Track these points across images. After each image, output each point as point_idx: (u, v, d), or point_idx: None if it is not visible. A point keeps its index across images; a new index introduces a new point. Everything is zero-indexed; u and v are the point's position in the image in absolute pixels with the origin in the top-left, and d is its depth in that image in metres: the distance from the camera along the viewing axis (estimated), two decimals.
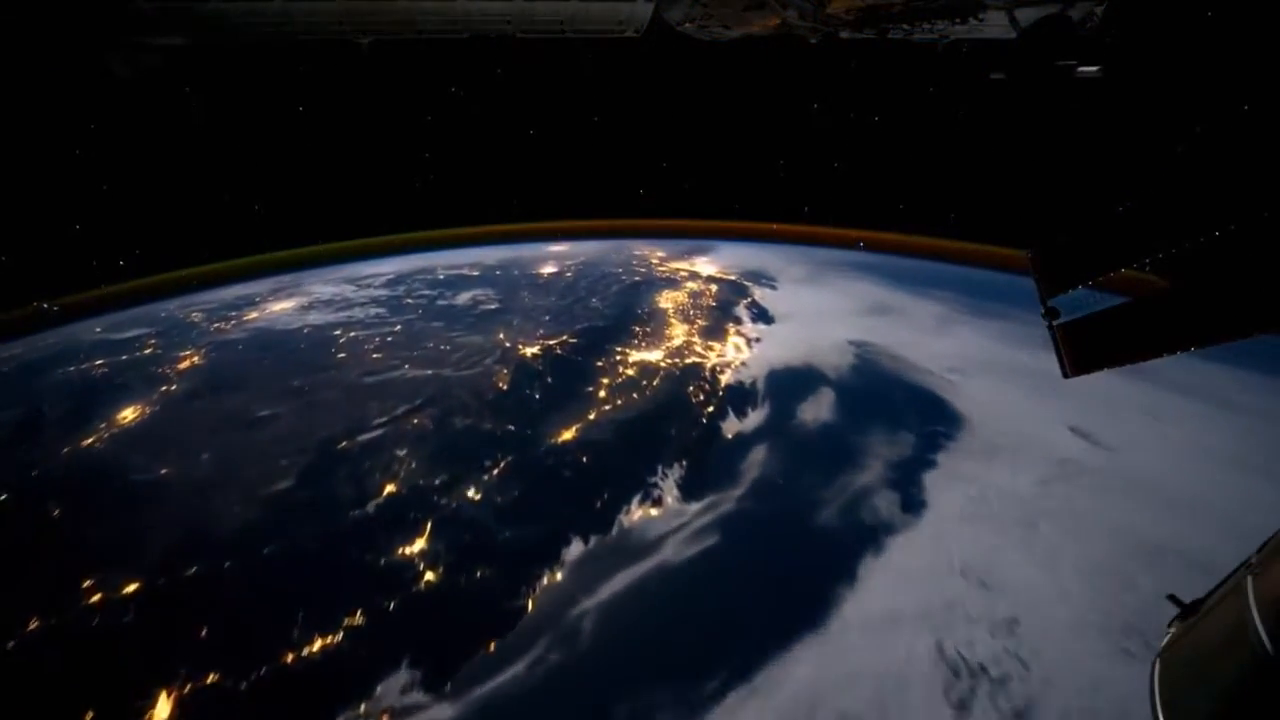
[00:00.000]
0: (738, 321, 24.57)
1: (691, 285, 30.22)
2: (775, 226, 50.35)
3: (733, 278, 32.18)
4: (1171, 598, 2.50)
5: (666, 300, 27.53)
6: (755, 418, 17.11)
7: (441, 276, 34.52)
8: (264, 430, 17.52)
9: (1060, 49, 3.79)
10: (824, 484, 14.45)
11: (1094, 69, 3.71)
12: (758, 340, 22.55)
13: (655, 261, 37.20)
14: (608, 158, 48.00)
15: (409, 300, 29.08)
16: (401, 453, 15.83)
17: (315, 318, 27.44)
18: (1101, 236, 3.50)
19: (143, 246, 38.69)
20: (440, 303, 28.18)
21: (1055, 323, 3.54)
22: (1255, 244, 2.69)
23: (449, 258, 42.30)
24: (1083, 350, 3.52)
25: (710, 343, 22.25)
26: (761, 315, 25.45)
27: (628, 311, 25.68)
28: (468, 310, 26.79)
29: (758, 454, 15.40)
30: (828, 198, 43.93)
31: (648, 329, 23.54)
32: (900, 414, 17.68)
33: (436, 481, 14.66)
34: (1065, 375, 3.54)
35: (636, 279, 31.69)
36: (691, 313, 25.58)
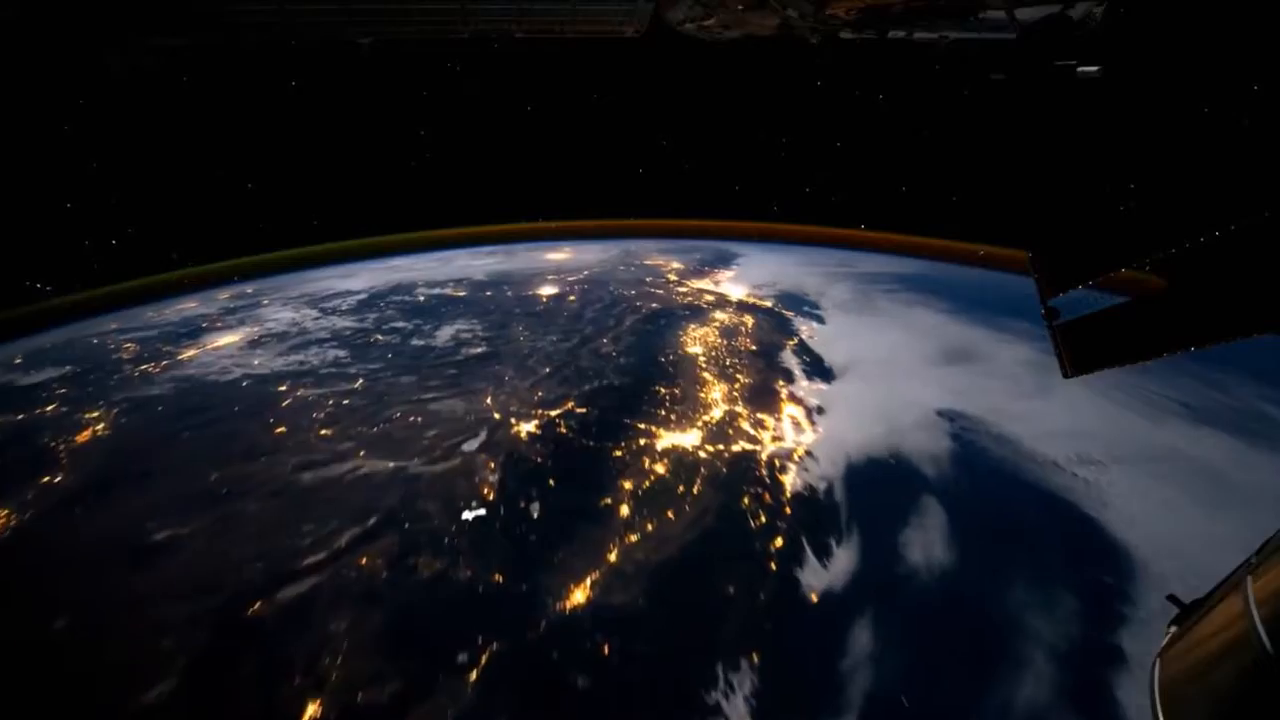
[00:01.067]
0: (788, 378, 19.43)
1: (721, 316, 24.99)
2: (788, 227, 45.82)
3: (769, 304, 26.92)
4: (1171, 598, 2.50)
5: (694, 340, 22.34)
6: (844, 559, 12.12)
7: (421, 298, 29.21)
8: (154, 570, 12.47)
9: (1060, 49, 3.63)
10: (971, 702, 9.55)
11: (1094, 69, 3.51)
12: (819, 411, 17.45)
13: (672, 278, 31.87)
14: (606, 138, 42.62)
15: (378, 337, 23.81)
16: (338, 627, 10.84)
17: (261, 361, 22.21)
18: (1101, 236, 3.44)
19: (115, 243, 34.15)
20: (415, 342, 22.93)
21: (1055, 323, 3.50)
22: (1255, 244, 2.65)
23: (433, 267, 36.97)
24: (1083, 350, 3.49)
25: (760, 414, 17.15)
26: (816, 367, 20.30)
27: (648, 360, 20.52)
28: (448, 354, 21.58)
29: (860, 638, 10.47)
30: (830, 185, 39.84)
31: (676, 390, 18.41)
32: (1042, 548, 12.71)
33: (385, 693, 9.70)
34: (1065, 375, 3.51)
35: (654, 305, 26.43)
36: (728, 362, 20.42)
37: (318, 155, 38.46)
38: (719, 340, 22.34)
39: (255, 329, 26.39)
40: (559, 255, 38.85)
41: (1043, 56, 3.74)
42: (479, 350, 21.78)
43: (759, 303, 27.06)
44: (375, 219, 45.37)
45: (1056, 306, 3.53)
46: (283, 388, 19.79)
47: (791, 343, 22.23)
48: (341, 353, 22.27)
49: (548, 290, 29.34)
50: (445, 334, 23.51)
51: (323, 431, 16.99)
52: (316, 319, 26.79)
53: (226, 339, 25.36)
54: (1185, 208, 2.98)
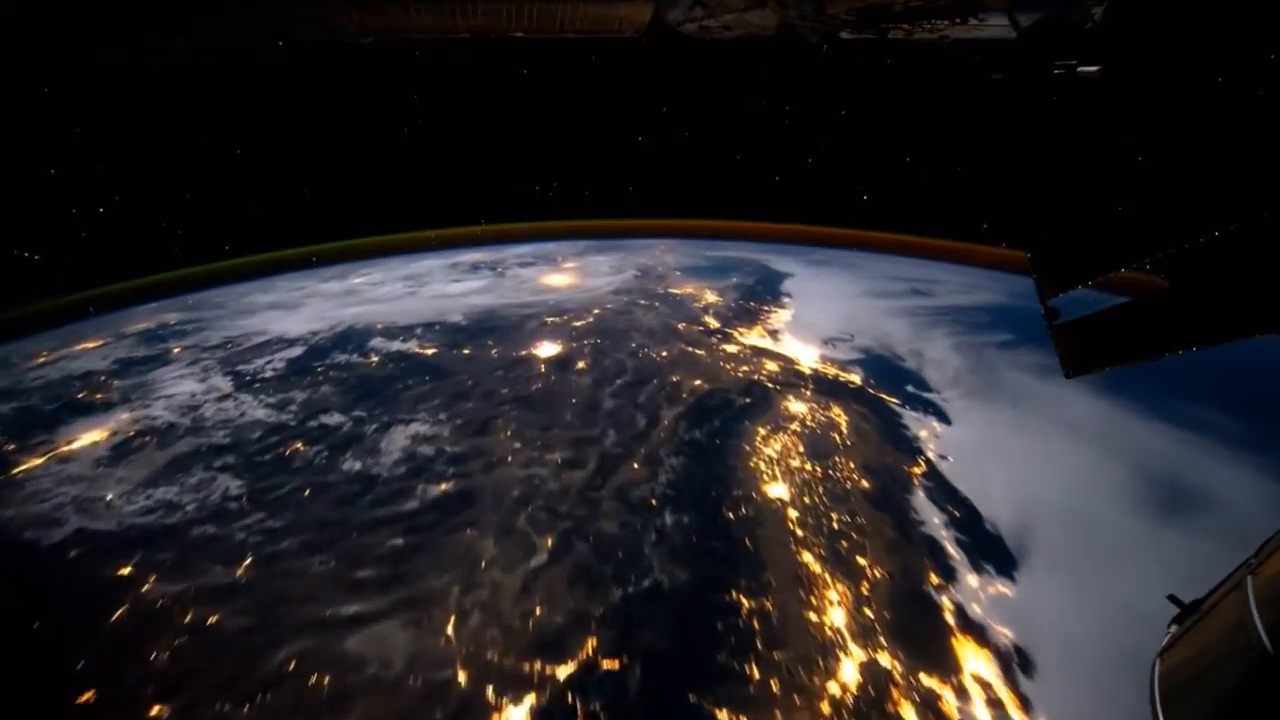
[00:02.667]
0: (942, 565, 11.97)
1: (798, 408, 17.37)
2: (820, 229, 39.30)
3: (857, 380, 19.29)
4: (1172, 598, 2.44)
5: (770, 466, 14.80)
6: None
7: (374, 359, 21.45)
8: None
9: (1060, 49, 3.62)
10: None
11: (1094, 69, 3.51)
12: (1023, 663, 10.07)
13: (711, 322, 24.12)
14: (605, 126, 34.54)
15: (298, 446, 16.17)
16: None
17: (116, 494, 14.66)
18: (1101, 236, 3.42)
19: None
20: (349, 464, 15.26)
21: (1055, 323, 3.47)
22: (1255, 244, 2.64)
23: (400, 297, 29.14)
24: (1083, 350, 3.47)
25: (924, 672, 9.80)
26: (975, 532, 12.84)
27: (710, 519, 13.00)
28: (396, 496, 13.98)
29: None
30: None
31: (768, 603, 10.95)
32: None
33: None
34: (1067, 376, 3.51)
35: (697, 383, 18.78)
36: (835, 521, 12.95)
37: (290, 149, 31.28)
38: (808, 466, 14.80)
39: (138, 414, 18.74)
40: (558, 279, 30.87)
41: (1043, 56, 3.65)
42: (444, 487, 14.19)
43: (843, 377, 19.40)
44: (348, 218, 37.77)
45: (1056, 306, 3.46)
46: (125, 570, 12.29)
47: (917, 471, 14.72)
48: (236, 484, 14.65)
49: (547, 348, 21.56)
50: (396, 445, 15.86)
51: (155, 710, 9.58)
52: (222, 399, 19.08)
53: (90, 435, 17.73)
54: (1185, 208, 2.91)
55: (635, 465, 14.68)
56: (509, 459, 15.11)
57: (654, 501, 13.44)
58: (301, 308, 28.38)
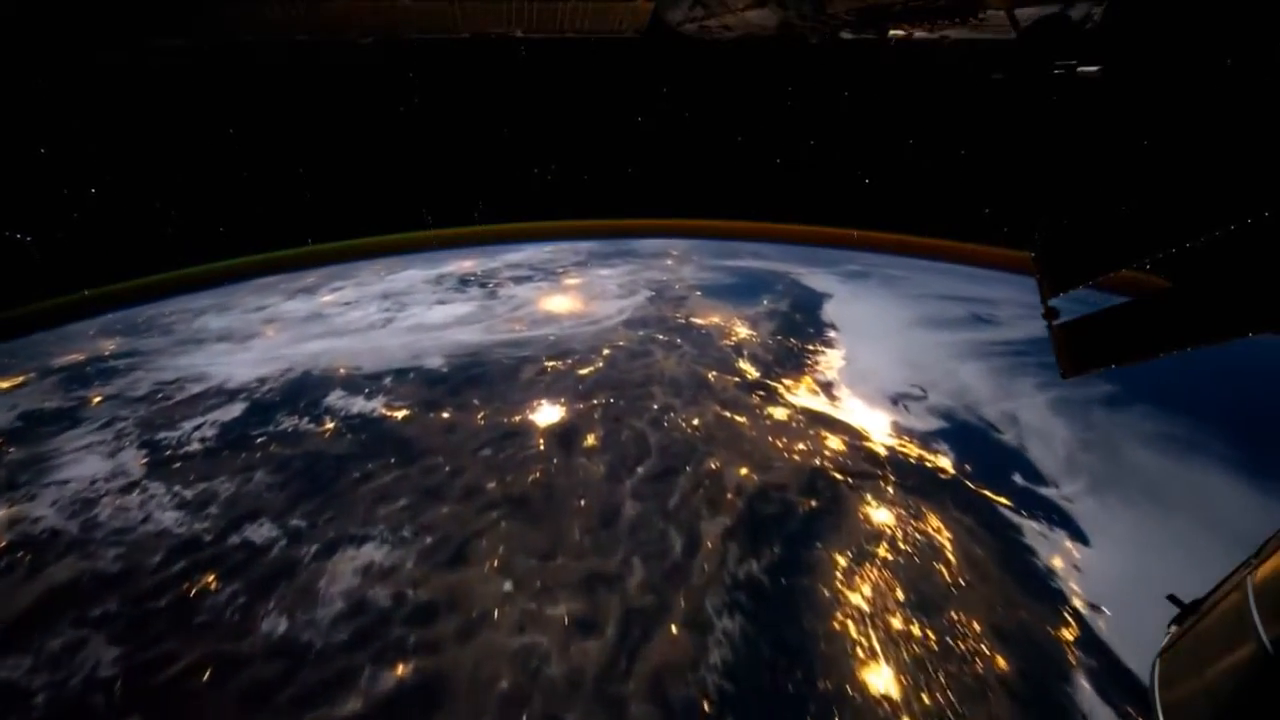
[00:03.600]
0: None
1: (881, 518, 13.08)
2: (830, 230, 37.06)
3: (948, 467, 15.02)
4: (1171, 598, 2.41)
5: (861, 632, 10.40)
6: None
7: (329, 425, 17.07)
8: None
9: (1060, 49, 3.57)
10: None
11: (1094, 69, 3.45)
12: None
13: (749, 371, 19.75)
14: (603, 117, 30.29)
15: (209, 583, 11.74)
16: None
17: None
18: (1102, 236, 3.41)
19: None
20: (274, 621, 10.74)
21: (1055, 323, 3.45)
22: (1255, 244, 2.60)
23: (372, 323, 24.65)
24: (1082, 350, 3.43)
25: None
26: None
27: None
28: (330, 691, 9.51)
29: None
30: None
31: None
32: None
33: None
34: (1063, 376, 3.46)
35: (743, 473, 14.47)
36: None
37: (284, 148, 27.83)
38: (915, 628, 10.51)
39: (17, 512, 14.47)
40: (559, 301, 26.29)
41: (1043, 56, 3.63)
42: (400, 671, 9.89)
43: (929, 460, 15.06)
44: (341, 217, 33.96)
45: (1056, 307, 3.45)
46: None
47: (1069, 636, 10.46)
48: (110, 656, 10.31)
49: (547, 411, 17.14)
50: (341, 584, 11.51)
51: None
52: (127, 489, 14.75)
53: None
54: (1185, 208, 2.90)
55: (674, 629, 10.42)
56: (495, 614, 10.82)
57: (707, 706, 9.21)
58: (254, 340, 23.88)
